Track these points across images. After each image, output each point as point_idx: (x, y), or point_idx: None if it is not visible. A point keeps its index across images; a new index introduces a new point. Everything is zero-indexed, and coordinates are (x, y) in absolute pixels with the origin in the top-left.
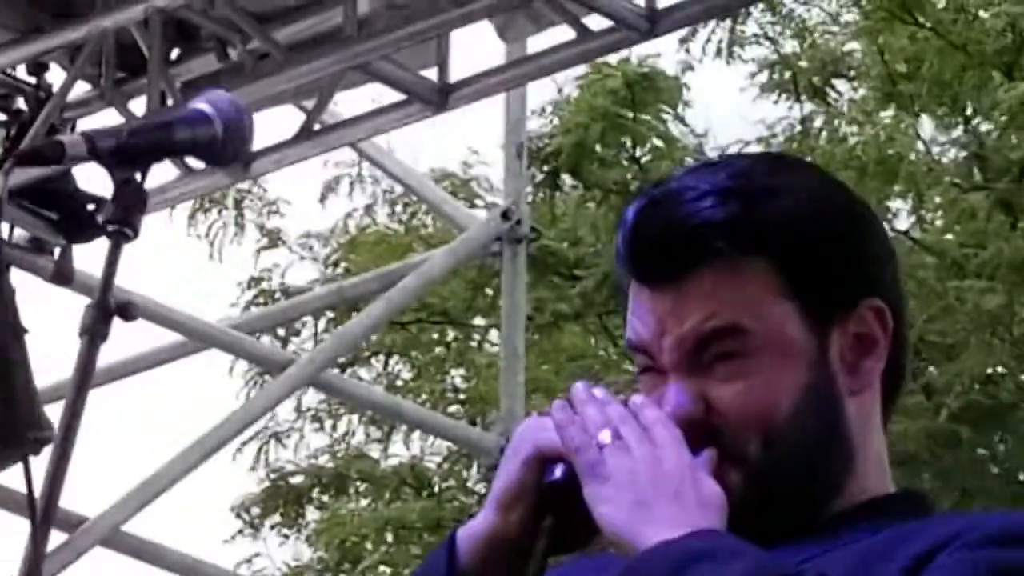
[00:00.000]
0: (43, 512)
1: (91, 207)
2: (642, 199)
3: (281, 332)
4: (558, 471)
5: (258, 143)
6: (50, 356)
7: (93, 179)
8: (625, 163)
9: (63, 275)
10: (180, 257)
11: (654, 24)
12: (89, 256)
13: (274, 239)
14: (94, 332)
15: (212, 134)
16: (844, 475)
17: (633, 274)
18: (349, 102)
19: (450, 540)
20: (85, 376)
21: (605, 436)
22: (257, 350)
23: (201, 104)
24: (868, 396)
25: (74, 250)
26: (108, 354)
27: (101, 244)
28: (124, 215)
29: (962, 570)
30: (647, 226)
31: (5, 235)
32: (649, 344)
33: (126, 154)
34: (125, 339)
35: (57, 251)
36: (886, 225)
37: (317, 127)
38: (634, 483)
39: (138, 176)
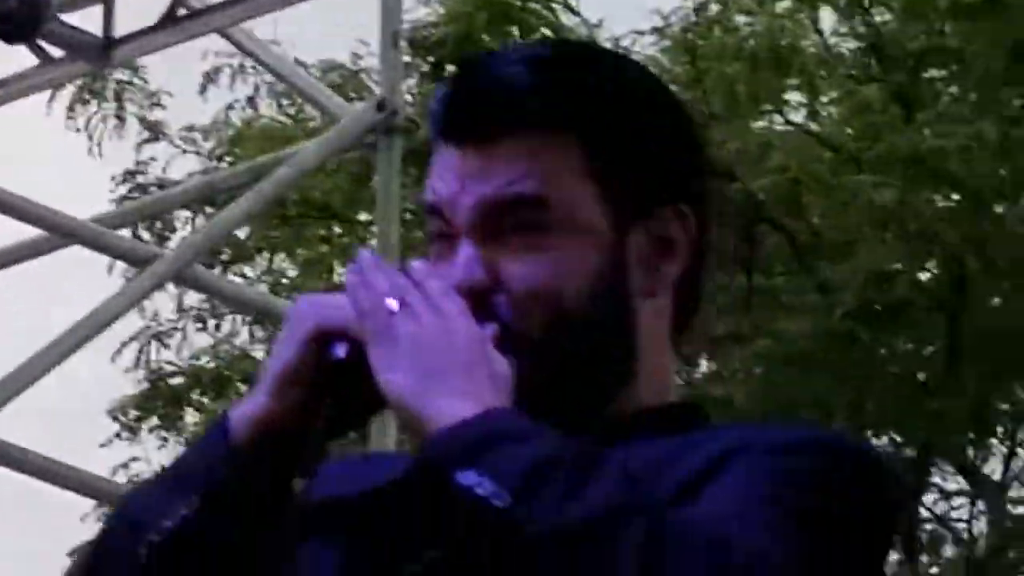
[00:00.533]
0: None
1: None
2: (462, 62)
3: (160, 228)
4: (342, 350)
5: (122, 29)
6: None
7: None
8: None
9: None
10: (59, 152)
11: None
12: None
13: (156, 132)
14: None
15: (7, 9)
16: (625, 377)
17: (443, 132)
18: None
19: (223, 420)
20: None
21: (393, 303)
22: (119, 245)
23: None
24: (660, 303)
25: None
26: None
27: None
28: None
29: (748, 477)
30: (464, 84)
31: None
32: (446, 203)
33: None
34: None
35: None
36: (780, 117)
37: (182, 12)
38: (423, 352)
39: None
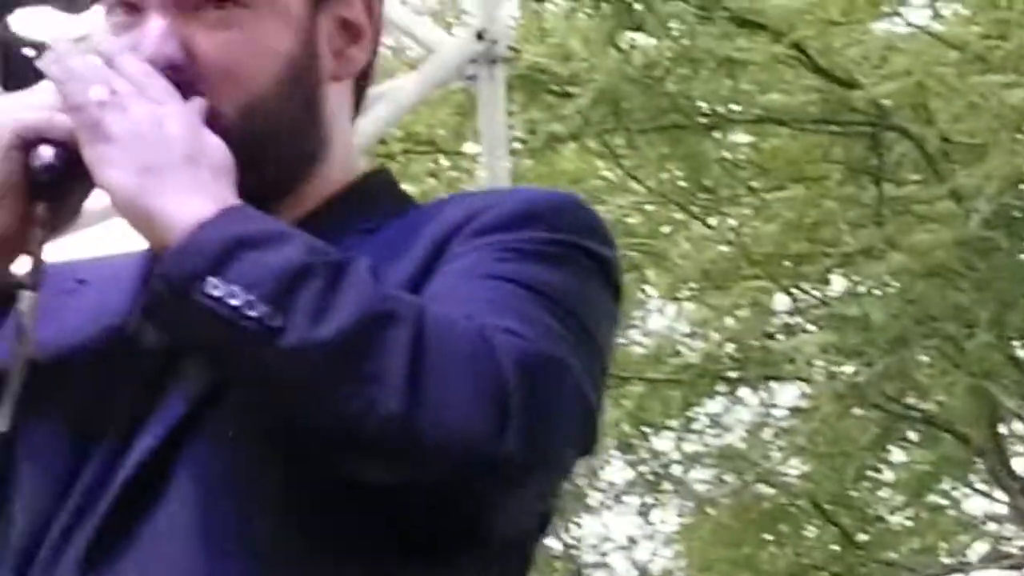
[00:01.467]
0: None
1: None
2: None
3: None
4: (48, 153)
5: None
6: None
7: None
8: None
9: None
10: None
11: None
12: None
13: None
14: None
15: None
16: (317, 159)
17: None
18: None
19: None
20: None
21: (98, 92)
22: None
23: None
24: (343, 87)
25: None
26: None
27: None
28: None
29: (476, 255)
30: None
31: None
32: None
33: None
34: None
35: None
36: (900, 19)
37: None
38: (139, 144)
39: None
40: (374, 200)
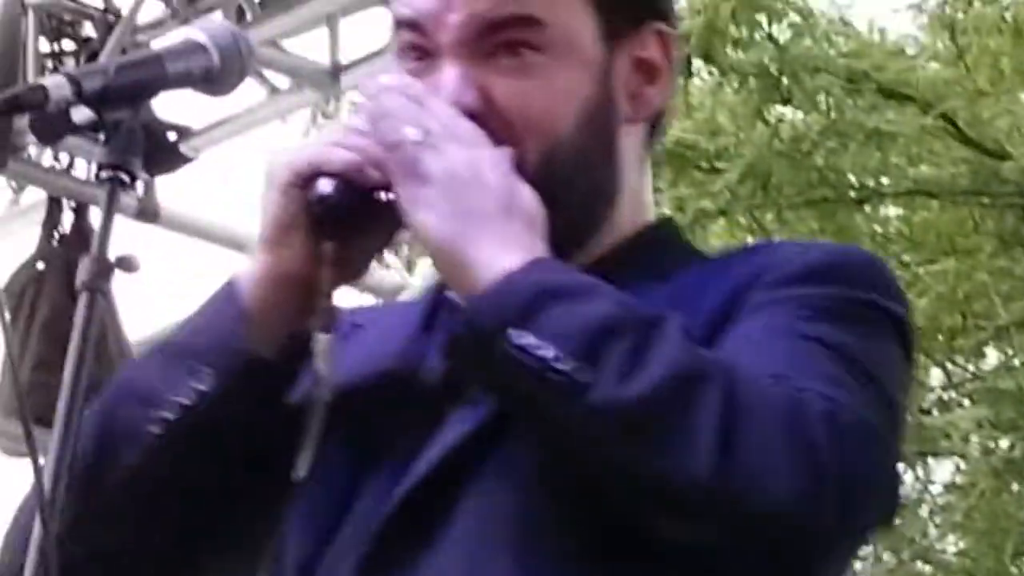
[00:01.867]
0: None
1: (172, 136)
2: None
3: (408, 254)
4: (327, 186)
5: (349, 52)
6: (143, 299)
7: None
8: (762, 43)
9: (149, 211)
10: None
11: None
12: (174, 189)
13: None
14: (93, 287)
15: (207, 64)
16: (612, 204)
17: None
18: None
19: (229, 286)
20: (86, 336)
21: (413, 132)
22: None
23: (193, 33)
24: (638, 129)
25: (157, 183)
26: None
27: (188, 175)
28: (119, 160)
29: (776, 310)
30: None
31: (83, 175)
32: (429, 17)
33: (116, 94)
34: None
35: (140, 186)
36: None
37: None
38: (457, 188)
39: (131, 115)
40: (663, 248)
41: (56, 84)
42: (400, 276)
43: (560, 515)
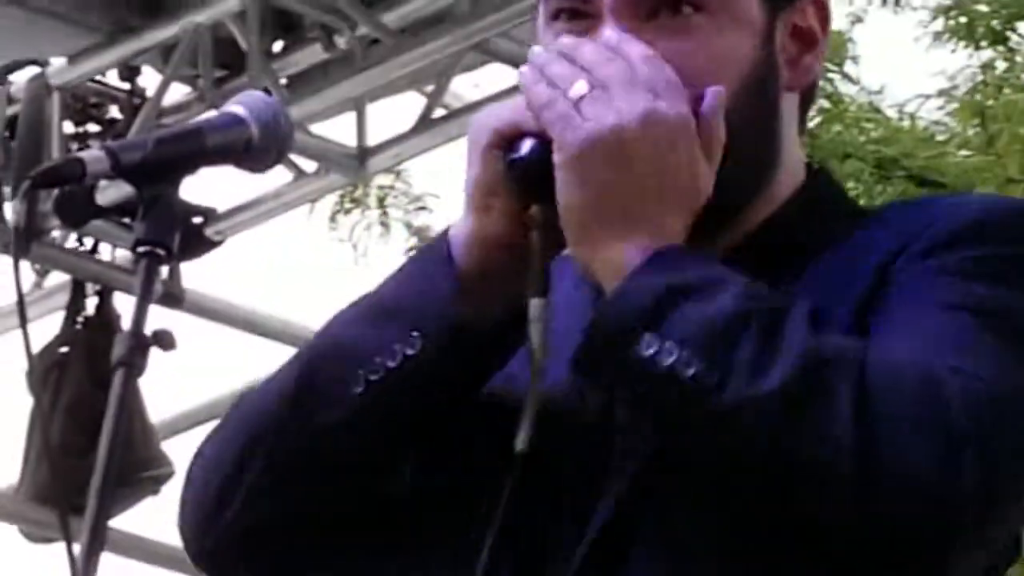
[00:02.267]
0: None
1: (197, 220)
2: None
3: None
4: (525, 147)
5: (376, 136)
6: (168, 385)
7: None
8: None
9: (173, 295)
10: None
11: None
12: (200, 273)
13: (424, 237)
14: (130, 364)
15: (247, 137)
16: (774, 170)
17: None
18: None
19: (439, 245)
20: (120, 412)
21: (580, 87)
22: None
23: (233, 106)
24: (794, 97)
25: (182, 268)
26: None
27: (213, 260)
28: (156, 234)
29: (924, 282)
30: None
31: (107, 257)
32: None
33: (154, 168)
34: None
35: (164, 270)
36: None
37: (438, 114)
38: (601, 158)
39: (169, 191)
40: (821, 215)
41: (94, 157)
42: None
43: (743, 530)
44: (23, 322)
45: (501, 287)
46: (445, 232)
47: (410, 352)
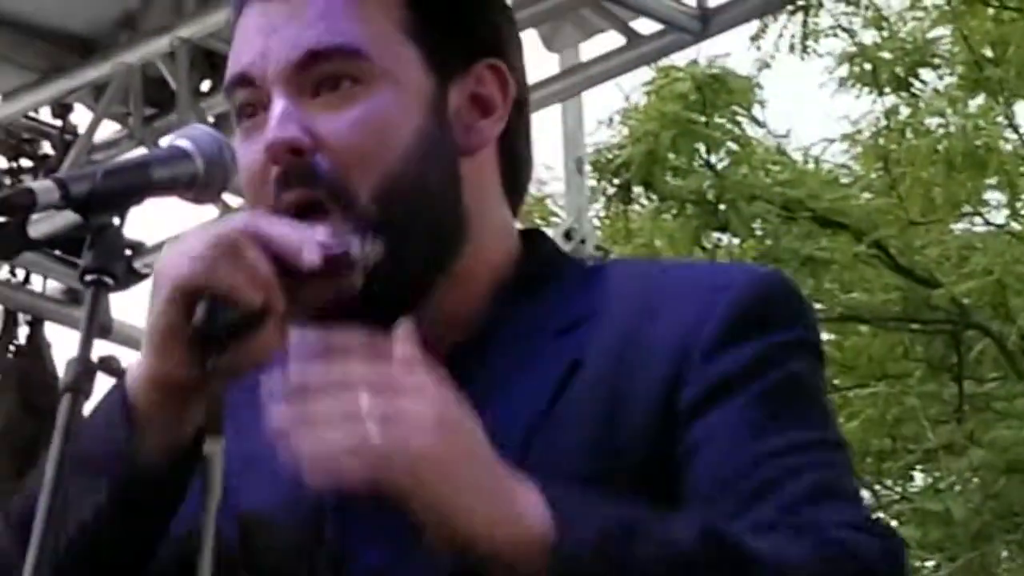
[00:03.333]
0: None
1: (128, 253)
2: None
3: None
4: (200, 310)
5: None
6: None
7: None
8: (700, 170)
9: (103, 326)
10: None
11: (706, 24)
12: (126, 305)
13: None
14: (78, 389)
15: (193, 171)
16: (464, 234)
17: None
18: None
19: (120, 386)
20: (67, 435)
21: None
22: None
23: (179, 140)
24: (484, 160)
25: (111, 299)
26: None
27: (141, 291)
28: (103, 263)
29: (724, 416)
30: None
31: (38, 288)
32: (256, 60)
33: (101, 198)
34: None
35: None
36: (980, 219)
37: None
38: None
39: (116, 221)
40: (545, 282)
41: (44, 188)
42: None
43: None
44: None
45: (177, 424)
46: (124, 377)
47: (99, 499)
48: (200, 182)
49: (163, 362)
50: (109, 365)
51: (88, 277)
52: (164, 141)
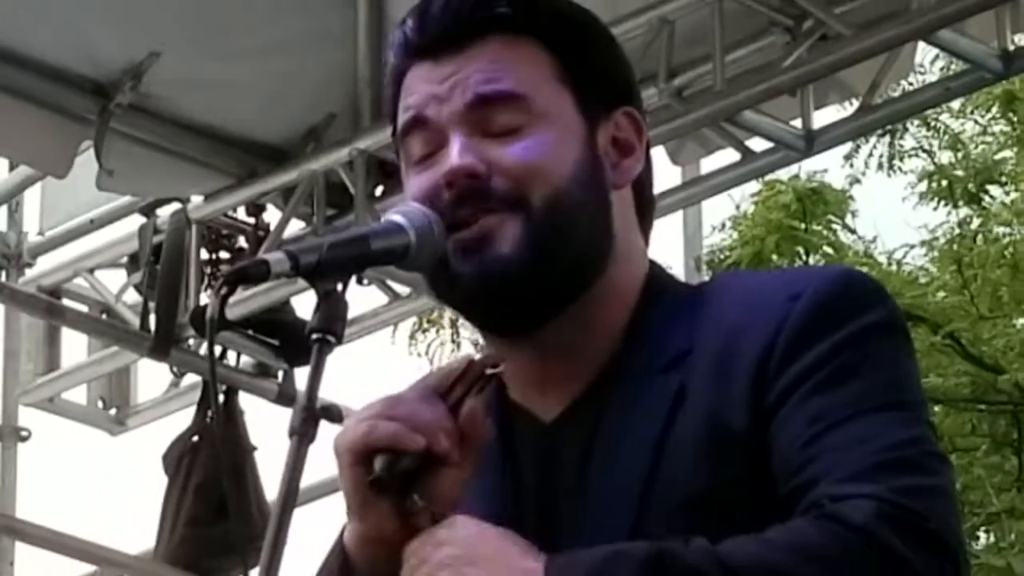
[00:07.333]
0: None
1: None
2: None
3: None
4: (378, 464)
5: None
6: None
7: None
8: None
9: (287, 396)
10: (404, 375)
11: (810, 144)
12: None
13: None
14: (302, 433)
15: (406, 243)
16: (608, 257)
17: (417, 47)
18: None
19: (340, 545)
20: (294, 475)
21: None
22: None
23: (394, 215)
24: (625, 196)
25: (295, 373)
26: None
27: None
28: (327, 324)
29: (797, 408)
30: (431, 2)
31: (232, 362)
32: (431, 104)
33: (327, 268)
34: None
35: (280, 374)
36: None
37: None
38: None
39: (339, 287)
40: (666, 311)
41: (276, 259)
42: None
43: None
44: (214, 394)
45: (387, 571)
46: (343, 531)
47: None
48: (412, 253)
49: (365, 521)
50: (331, 413)
51: (314, 336)
52: (382, 217)
